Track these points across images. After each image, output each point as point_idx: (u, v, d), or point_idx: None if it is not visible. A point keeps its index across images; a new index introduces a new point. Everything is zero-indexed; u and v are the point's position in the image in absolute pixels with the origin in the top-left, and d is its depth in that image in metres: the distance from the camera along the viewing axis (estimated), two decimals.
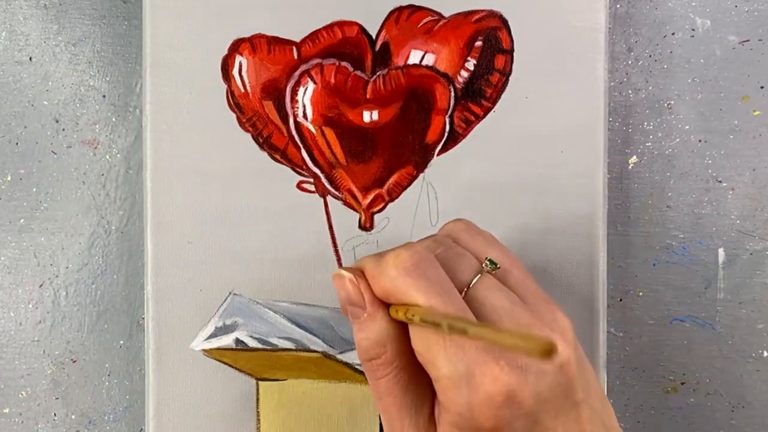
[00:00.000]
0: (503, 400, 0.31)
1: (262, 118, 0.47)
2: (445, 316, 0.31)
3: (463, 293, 0.35)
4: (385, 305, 0.35)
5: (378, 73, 0.48)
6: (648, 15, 0.53)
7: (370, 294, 0.35)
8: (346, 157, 0.48)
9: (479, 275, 0.35)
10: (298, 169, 0.48)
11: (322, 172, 0.48)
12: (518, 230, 0.49)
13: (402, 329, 0.35)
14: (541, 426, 0.33)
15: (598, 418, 0.34)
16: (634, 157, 0.53)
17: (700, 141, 0.53)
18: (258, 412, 0.48)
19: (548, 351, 0.24)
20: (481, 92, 0.48)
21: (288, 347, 0.47)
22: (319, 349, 0.47)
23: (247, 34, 0.47)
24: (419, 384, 0.35)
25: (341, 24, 0.48)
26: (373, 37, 0.48)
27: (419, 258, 0.34)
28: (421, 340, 0.33)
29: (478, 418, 0.32)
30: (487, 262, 0.36)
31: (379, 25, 0.48)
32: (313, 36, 0.47)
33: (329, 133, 0.48)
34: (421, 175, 0.48)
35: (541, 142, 0.49)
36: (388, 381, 0.35)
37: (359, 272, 0.36)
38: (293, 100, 0.47)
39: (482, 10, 0.48)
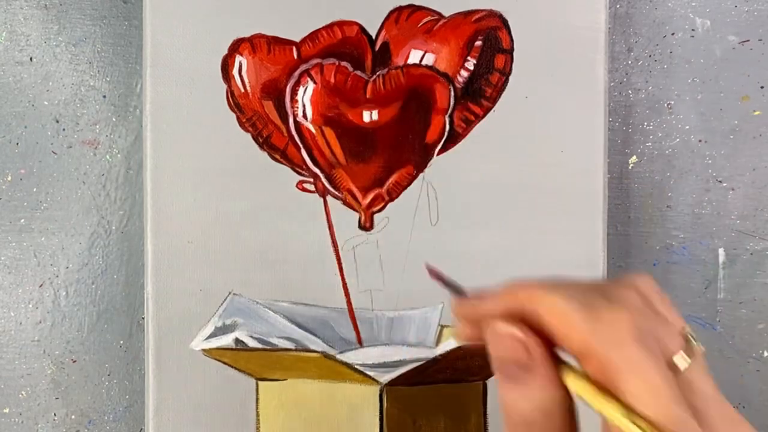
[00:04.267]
0: None
1: (262, 118, 0.47)
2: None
3: None
4: (556, 362, 0.28)
5: (378, 73, 0.48)
6: (648, 15, 0.53)
7: (541, 351, 0.27)
8: (346, 156, 0.48)
9: (690, 357, 0.28)
10: (297, 169, 0.48)
11: (322, 171, 0.48)
12: (518, 230, 0.49)
13: (569, 396, 0.28)
14: None
15: None
16: (634, 157, 0.53)
17: (700, 141, 0.53)
18: (258, 412, 0.47)
19: None
20: (481, 92, 0.48)
21: (288, 347, 0.47)
22: (319, 349, 0.47)
23: (247, 34, 0.47)
24: None
25: (341, 24, 0.48)
26: (373, 36, 0.48)
27: (641, 324, 0.26)
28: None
29: None
30: (691, 337, 0.29)
31: (379, 25, 0.48)
32: (313, 36, 0.47)
33: (329, 132, 0.48)
34: (421, 174, 0.48)
35: (541, 142, 0.49)
36: None
37: (519, 321, 0.28)
38: (293, 99, 0.47)
39: (482, 10, 0.48)
